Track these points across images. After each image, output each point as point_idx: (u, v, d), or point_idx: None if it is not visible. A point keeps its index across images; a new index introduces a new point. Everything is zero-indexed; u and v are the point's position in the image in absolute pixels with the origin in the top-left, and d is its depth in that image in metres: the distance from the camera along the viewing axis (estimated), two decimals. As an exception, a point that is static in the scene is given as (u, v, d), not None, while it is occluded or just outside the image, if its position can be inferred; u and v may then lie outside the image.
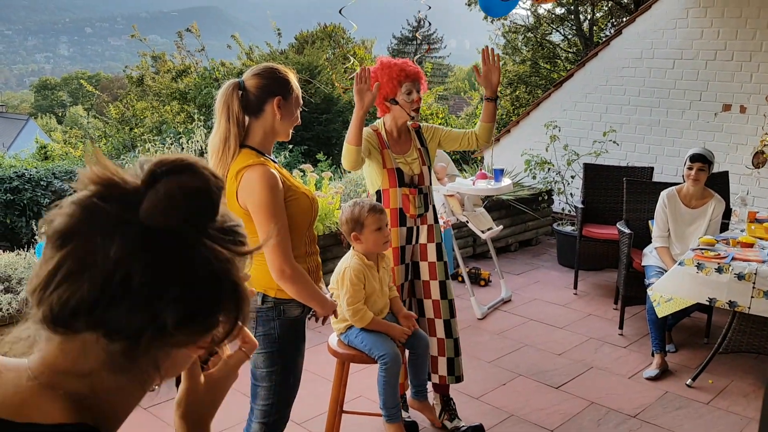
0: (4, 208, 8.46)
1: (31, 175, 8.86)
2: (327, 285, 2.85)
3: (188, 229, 0.74)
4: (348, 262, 2.69)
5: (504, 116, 17.12)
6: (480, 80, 3.15)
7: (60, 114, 37.59)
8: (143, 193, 0.73)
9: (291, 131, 2.25)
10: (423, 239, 3.18)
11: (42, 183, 8.88)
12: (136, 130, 12.53)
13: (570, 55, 18.32)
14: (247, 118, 2.17)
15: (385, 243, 2.73)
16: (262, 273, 2.19)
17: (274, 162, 2.22)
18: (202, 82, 12.05)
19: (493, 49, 3.16)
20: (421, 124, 3.24)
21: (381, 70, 3.01)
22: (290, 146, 10.13)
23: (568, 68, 15.98)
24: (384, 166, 3.07)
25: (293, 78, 2.22)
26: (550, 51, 18.60)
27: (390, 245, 2.88)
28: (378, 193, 3.12)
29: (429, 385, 3.29)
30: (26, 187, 8.73)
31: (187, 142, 4.45)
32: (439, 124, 13.25)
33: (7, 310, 3.16)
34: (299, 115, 2.25)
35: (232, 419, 3.34)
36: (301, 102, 2.25)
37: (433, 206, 3.24)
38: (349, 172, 5.78)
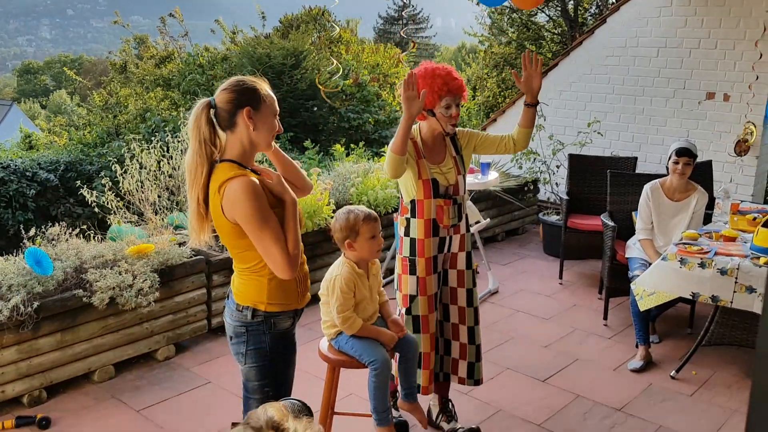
0: (-10, 199, 8.40)
1: (16, 166, 8.78)
2: (316, 292, 2.88)
3: None
4: (338, 271, 2.72)
5: (491, 98, 17.11)
6: (520, 85, 3.09)
7: (44, 102, 37.13)
8: None
9: (272, 140, 2.25)
10: (455, 248, 3.17)
11: (27, 174, 8.80)
12: (120, 117, 12.42)
13: (555, 36, 18.27)
14: (223, 134, 2.19)
15: (378, 251, 2.75)
16: (251, 287, 2.22)
17: (257, 174, 2.23)
18: (186, 69, 11.94)
19: (535, 54, 3.10)
20: (456, 130, 3.16)
21: (424, 78, 2.93)
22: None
23: (554, 49, 15.98)
24: (419, 177, 3.02)
25: (264, 86, 2.21)
26: (535, 33, 18.54)
27: (380, 253, 2.89)
28: (412, 202, 3.08)
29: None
30: (11, 178, 8.65)
31: (173, 139, 4.43)
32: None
33: (-2, 317, 3.17)
34: (278, 123, 2.24)
35: (219, 423, 3.38)
36: (277, 109, 2.24)
37: (466, 215, 3.22)
38: (384, 160, 5.78)
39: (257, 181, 2.11)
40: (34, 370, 3.45)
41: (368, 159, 7.90)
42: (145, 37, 18.29)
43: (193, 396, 3.67)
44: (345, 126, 10.91)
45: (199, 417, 3.46)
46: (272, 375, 2.28)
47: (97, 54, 53.97)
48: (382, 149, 6.73)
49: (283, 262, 2.11)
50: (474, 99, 16.25)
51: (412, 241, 3.10)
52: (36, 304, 3.31)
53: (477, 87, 17.31)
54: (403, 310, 3.13)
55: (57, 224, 3.80)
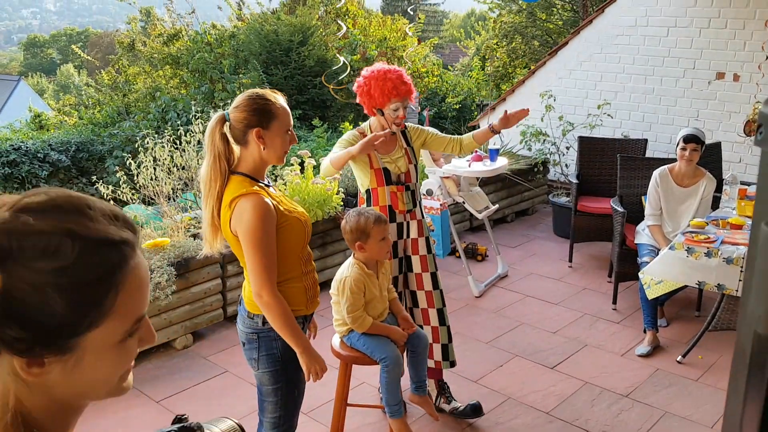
0: (2, 181, 8.50)
1: (27, 147, 8.86)
2: (329, 278, 2.95)
3: None
4: (348, 272, 2.78)
5: (500, 68, 16.97)
6: (502, 118, 3.39)
7: (51, 81, 37.10)
8: None
9: (285, 154, 2.29)
10: (414, 234, 3.36)
11: (39, 155, 8.89)
12: (129, 97, 12.44)
13: (566, 4, 18.04)
14: (237, 148, 2.25)
15: (387, 252, 2.82)
16: None
17: (268, 186, 2.29)
18: (194, 47, 11.90)
19: (526, 111, 3.47)
20: (407, 125, 3.38)
21: (375, 80, 3.14)
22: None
23: (565, 17, 15.78)
24: (371, 167, 3.25)
25: (277, 102, 2.23)
26: (546, 0, 18.30)
27: (390, 253, 2.98)
28: (368, 192, 3.30)
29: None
30: (23, 160, 8.74)
31: (183, 125, 4.46)
32: (434, 81, 13.19)
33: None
34: (291, 135, 2.27)
35: (237, 413, 3.49)
36: (290, 123, 2.26)
37: (420, 202, 3.41)
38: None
39: (268, 200, 2.16)
40: (57, 363, 3.55)
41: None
42: (151, 9, 18.18)
43: (210, 385, 3.78)
44: (353, 102, 10.91)
45: (217, 407, 3.57)
46: (285, 379, 2.36)
47: (103, 26, 53.73)
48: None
49: (263, 291, 2.17)
50: (483, 69, 16.08)
51: None
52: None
53: (487, 57, 17.11)
54: None
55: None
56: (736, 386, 0.47)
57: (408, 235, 3.36)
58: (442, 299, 3.42)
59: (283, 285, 2.25)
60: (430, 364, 3.41)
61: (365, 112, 3.27)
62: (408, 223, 3.34)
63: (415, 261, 3.37)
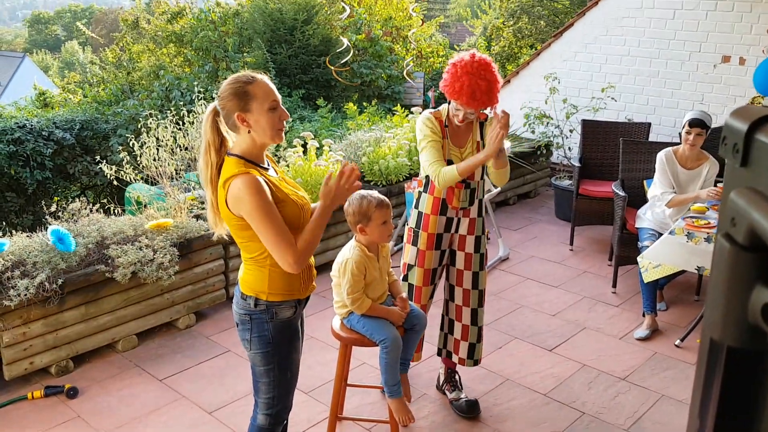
0: (8, 159, 8.53)
1: (32, 125, 8.88)
2: (331, 260, 2.98)
3: None
4: (350, 254, 2.81)
5: (506, 48, 16.87)
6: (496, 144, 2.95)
7: (55, 58, 36.98)
8: None
9: (280, 131, 2.26)
10: (463, 230, 3.26)
11: (44, 133, 8.91)
12: (133, 74, 12.43)
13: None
14: (230, 134, 2.31)
15: (388, 236, 2.84)
16: (254, 277, 2.32)
17: (266, 169, 2.30)
18: (198, 25, 11.87)
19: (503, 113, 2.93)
20: (489, 116, 3.16)
21: (464, 74, 2.91)
22: (288, 90, 10.09)
23: (571, -4, 15.64)
24: None
25: (256, 83, 2.22)
26: (552, -22, 18.13)
27: (391, 237, 2.99)
28: (427, 178, 3.20)
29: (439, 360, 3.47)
30: (28, 137, 8.77)
31: (186, 105, 4.48)
32: (440, 62, 13.11)
33: (25, 294, 3.30)
34: (282, 111, 2.24)
35: (238, 392, 3.54)
36: (275, 99, 2.23)
37: (480, 200, 3.28)
38: (353, 132, 5.83)
39: (260, 179, 2.18)
40: (61, 342, 3.61)
41: (381, 117, 7.92)
42: (156, -13, 18.10)
43: (213, 365, 3.83)
44: (357, 82, 10.87)
45: (218, 386, 3.62)
46: (276, 361, 2.38)
47: (108, 3, 53.42)
48: (395, 107, 6.73)
49: (287, 256, 2.19)
50: (489, 50, 16.01)
51: (420, 215, 3.26)
52: (60, 280, 3.45)
53: (493, 37, 17.05)
54: (401, 277, 3.30)
55: (77, 198, 3.89)
56: (696, 387, 0.49)
57: (457, 231, 3.26)
58: (479, 299, 3.34)
59: (277, 266, 2.27)
60: (455, 359, 3.44)
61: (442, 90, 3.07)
62: (459, 220, 3.24)
63: (460, 257, 3.30)
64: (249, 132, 2.23)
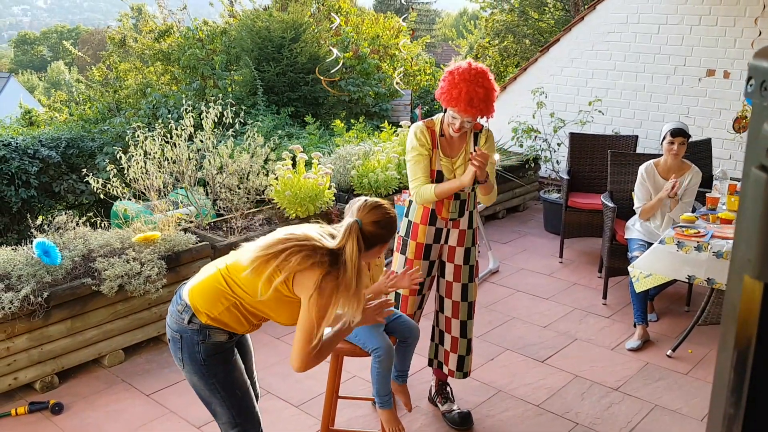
0: (-7, 177, 8.45)
1: (17, 143, 8.81)
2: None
3: None
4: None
5: (492, 67, 17.01)
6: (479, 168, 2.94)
7: (41, 78, 36.87)
8: None
9: None
10: (453, 242, 3.22)
11: (29, 151, 8.84)
12: (120, 93, 12.39)
13: (558, 3, 18.09)
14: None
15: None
16: (207, 296, 2.20)
17: None
18: (185, 43, 11.87)
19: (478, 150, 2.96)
20: (484, 127, 3.17)
21: (461, 81, 2.88)
22: (276, 108, 10.08)
23: (557, 16, 15.82)
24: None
25: None
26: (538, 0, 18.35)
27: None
28: None
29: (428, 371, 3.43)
30: (13, 156, 8.69)
31: (175, 120, 4.43)
32: (426, 80, 13.21)
33: (9, 308, 3.24)
34: None
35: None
36: None
37: (470, 212, 3.23)
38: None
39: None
40: (46, 357, 3.54)
41: (368, 134, 7.92)
42: (143, 6, 18.12)
43: (201, 379, 3.77)
44: (345, 99, 10.89)
45: (208, 400, 3.56)
46: (214, 378, 2.24)
47: (94, 24, 53.44)
48: (382, 124, 6.74)
49: (302, 355, 2.14)
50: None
51: (409, 224, 3.23)
52: (46, 293, 3.39)
53: (479, 56, 17.22)
54: None
55: (63, 212, 3.84)
56: (725, 342, 0.47)
57: (446, 241, 3.23)
58: (468, 312, 3.30)
59: (236, 310, 2.19)
60: (445, 370, 3.40)
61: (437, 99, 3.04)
62: (449, 231, 3.20)
63: (449, 268, 3.26)
64: None
